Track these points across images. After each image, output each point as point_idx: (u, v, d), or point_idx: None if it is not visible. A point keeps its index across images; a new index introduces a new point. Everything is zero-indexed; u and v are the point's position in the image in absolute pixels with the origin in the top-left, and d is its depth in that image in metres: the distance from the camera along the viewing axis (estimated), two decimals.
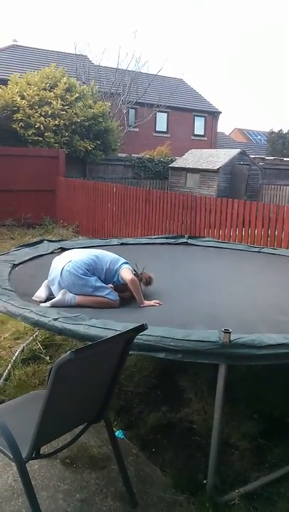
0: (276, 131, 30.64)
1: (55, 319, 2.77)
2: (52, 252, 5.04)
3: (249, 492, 2.51)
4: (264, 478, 2.61)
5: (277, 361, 2.51)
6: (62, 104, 13.24)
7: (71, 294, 3.50)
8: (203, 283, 4.28)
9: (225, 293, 3.99)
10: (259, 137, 38.22)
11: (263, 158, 21.92)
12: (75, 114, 13.44)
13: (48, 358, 4.04)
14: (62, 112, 13.16)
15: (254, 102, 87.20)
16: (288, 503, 2.46)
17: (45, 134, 12.79)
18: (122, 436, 3.01)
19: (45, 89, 13.31)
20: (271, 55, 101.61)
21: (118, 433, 3.00)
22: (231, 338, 2.43)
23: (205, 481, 2.54)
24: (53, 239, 6.92)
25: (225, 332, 2.44)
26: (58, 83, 13.52)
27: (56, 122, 12.99)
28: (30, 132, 12.69)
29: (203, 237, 6.85)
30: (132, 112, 22.80)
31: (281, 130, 30.47)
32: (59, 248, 5.17)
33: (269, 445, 2.93)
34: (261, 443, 2.95)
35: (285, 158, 23.23)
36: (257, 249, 5.73)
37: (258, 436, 3.01)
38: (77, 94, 13.75)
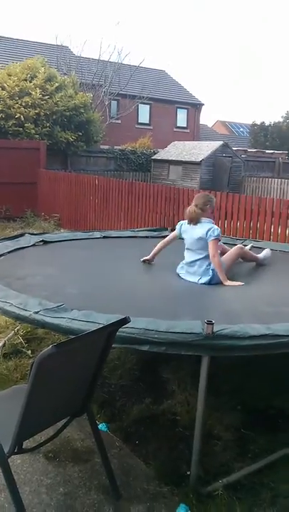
0: (258, 124, 30.82)
1: (36, 312, 2.73)
2: (34, 245, 4.99)
3: (232, 482, 2.52)
4: (247, 469, 2.62)
5: (260, 352, 2.53)
6: (42, 94, 13.09)
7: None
8: None
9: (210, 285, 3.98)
10: (241, 129, 38.36)
11: (245, 151, 22.07)
12: (55, 104, 13.30)
13: (29, 352, 4.01)
14: (42, 102, 13.01)
15: (236, 94, 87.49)
16: (271, 492, 2.48)
17: (25, 124, 12.64)
18: (106, 429, 3.00)
19: (25, 80, 13.14)
20: (254, 47, 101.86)
21: (101, 426, 2.99)
22: (214, 330, 2.43)
23: (188, 472, 2.54)
24: (35, 232, 6.87)
25: (208, 323, 2.44)
26: (38, 73, 13.36)
27: (36, 111, 12.84)
28: (10, 123, 12.53)
29: None
30: (114, 103, 22.65)
31: (263, 122, 30.66)
32: (41, 241, 5.12)
33: (252, 436, 2.95)
34: (244, 434, 2.97)
35: (267, 151, 23.42)
36: (239, 241, 5.74)
37: (241, 427, 3.02)
38: (57, 84, 13.60)
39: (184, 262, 4.17)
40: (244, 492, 2.48)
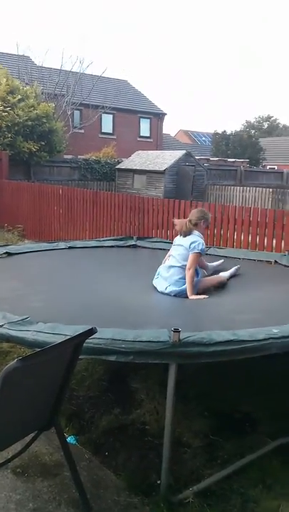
0: (220, 133, 31.32)
1: (1, 326, 2.69)
2: None
3: (203, 489, 2.53)
4: (217, 475, 2.64)
5: (227, 358, 2.56)
6: (4, 106, 12.97)
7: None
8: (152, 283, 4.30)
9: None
10: (204, 138, 38.96)
11: (207, 159, 22.41)
12: (17, 115, 13.20)
13: None
14: (3, 114, 12.88)
15: (198, 103, 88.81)
16: (241, 498, 2.50)
17: None
18: (74, 442, 2.97)
19: None
20: (215, 57, 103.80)
21: (70, 439, 2.96)
22: (181, 337, 2.45)
23: (159, 482, 2.54)
24: None
25: (174, 331, 2.45)
26: (0, 85, 13.26)
27: None
28: None
29: (152, 237, 6.89)
30: (76, 113, 22.65)
31: (225, 131, 31.19)
32: (4, 253, 5.05)
33: (220, 441, 2.97)
34: (213, 440, 2.99)
35: (228, 159, 23.82)
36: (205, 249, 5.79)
37: (210, 433, 3.05)
38: (19, 96, 13.52)
39: (161, 266, 4.21)
40: (214, 498, 2.49)
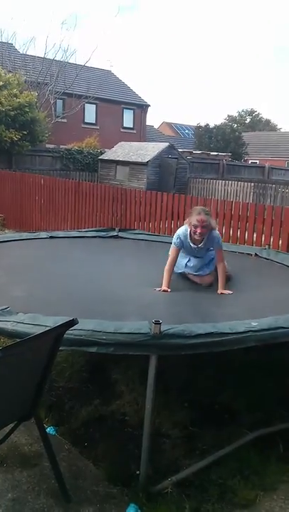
0: (203, 126, 31.32)
1: None
2: None
3: (181, 480, 2.55)
4: (195, 466, 2.66)
5: (207, 350, 2.57)
6: None
7: None
8: (134, 275, 4.30)
9: (156, 284, 4.02)
10: (187, 131, 38.93)
11: (190, 152, 22.41)
12: (0, 103, 13.01)
13: None
14: None
15: (182, 96, 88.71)
16: (219, 488, 2.53)
17: None
18: (54, 433, 2.97)
19: None
20: (199, 49, 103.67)
21: (49, 429, 2.95)
22: (161, 329, 2.46)
23: (138, 472, 2.56)
24: None
25: (155, 323, 2.46)
26: None
27: None
28: None
29: (134, 229, 6.88)
30: (59, 102, 22.41)
31: (208, 124, 31.19)
32: None
33: (199, 432, 3.00)
34: (192, 431, 3.02)
35: (211, 153, 23.88)
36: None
37: (189, 424, 3.07)
38: (1, 83, 13.31)
39: (189, 265, 4.17)
40: (193, 489, 2.52)
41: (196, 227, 3.89)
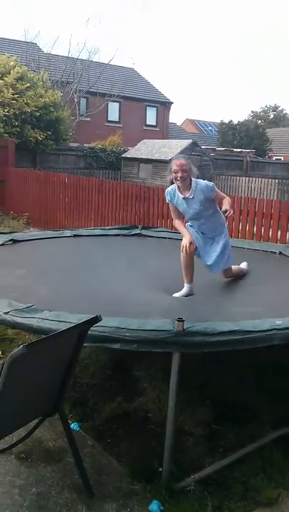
0: (226, 122, 31.08)
1: (6, 313, 2.71)
2: (2, 244, 4.93)
3: (204, 477, 2.55)
4: (218, 463, 2.66)
5: (230, 348, 2.57)
6: (13, 93, 12.91)
7: None
8: (157, 274, 4.30)
9: (179, 282, 4.02)
10: (210, 128, 38.71)
11: (214, 149, 22.27)
12: (26, 103, 13.14)
13: (0, 352, 3.96)
14: (12, 101, 12.83)
15: (205, 92, 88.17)
16: (242, 486, 2.53)
17: None
18: (78, 429, 3.00)
19: None
20: (222, 45, 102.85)
21: (73, 425, 2.99)
22: (185, 327, 2.47)
23: (161, 469, 2.57)
24: (4, 231, 6.78)
25: (178, 321, 2.47)
26: (10, 72, 13.17)
27: (6, 112, 12.65)
28: None
29: (157, 227, 6.88)
30: (83, 101, 22.53)
31: (231, 121, 30.94)
32: (10, 240, 5.07)
33: (222, 430, 2.99)
34: (214, 428, 3.02)
35: (235, 149, 23.67)
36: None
37: (212, 422, 3.07)
38: (28, 84, 13.45)
39: (195, 230, 4.08)
40: (215, 486, 2.52)
41: (176, 172, 3.82)
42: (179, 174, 3.81)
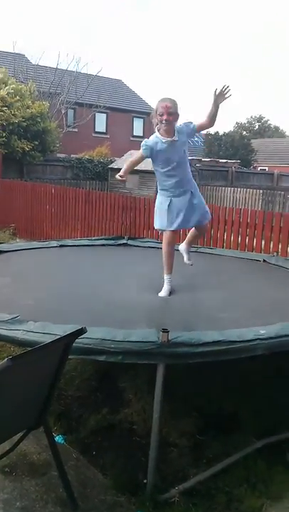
0: (212, 134, 31.33)
1: None
2: None
3: (188, 488, 2.56)
4: (202, 474, 2.67)
5: (215, 358, 2.59)
6: (1, 105, 12.94)
7: None
8: (142, 281, 4.32)
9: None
10: (196, 139, 38.87)
11: (199, 160, 22.40)
12: (13, 114, 13.17)
13: None
14: (0, 113, 12.88)
15: (191, 104, 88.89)
16: (226, 496, 2.53)
17: None
18: (62, 441, 2.99)
19: None
20: (208, 57, 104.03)
21: (58, 438, 2.98)
22: (169, 337, 2.48)
23: (145, 481, 2.57)
24: None
25: (163, 331, 2.48)
26: (3, 85, 13.25)
27: None
28: None
29: (143, 237, 6.91)
30: (70, 112, 22.61)
31: (217, 132, 31.20)
32: None
33: (206, 441, 3.00)
34: (199, 439, 3.02)
35: (220, 160, 23.85)
36: (194, 249, 5.84)
37: (196, 432, 3.08)
38: (17, 97, 13.50)
39: (171, 187, 3.96)
40: (200, 497, 2.53)
41: (161, 114, 3.68)
42: (165, 117, 3.67)
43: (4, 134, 13.06)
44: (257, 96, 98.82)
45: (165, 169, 3.88)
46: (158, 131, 3.82)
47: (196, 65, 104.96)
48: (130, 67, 79.51)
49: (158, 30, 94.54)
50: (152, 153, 3.84)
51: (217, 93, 3.70)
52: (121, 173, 3.84)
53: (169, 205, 3.92)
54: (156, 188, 4.13)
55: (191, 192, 4.02)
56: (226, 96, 3.74)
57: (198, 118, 3.99)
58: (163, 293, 3.89)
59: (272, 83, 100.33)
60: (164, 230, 3.98)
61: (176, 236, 4.05)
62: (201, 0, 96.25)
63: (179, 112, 3.78)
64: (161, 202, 3.99)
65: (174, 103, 3.73)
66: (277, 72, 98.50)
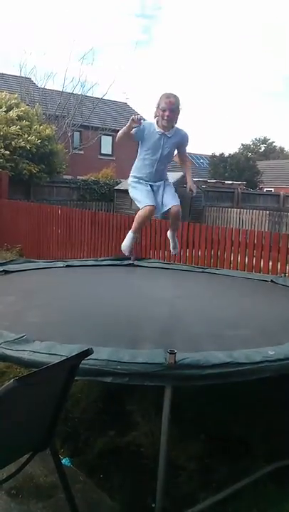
0: (218, 155, 31.63)
1: None
2: None
3: None
4: (211, 499, 2.62)
5: (223, 380, 2.56)
6: (15, 130, 13.22)
7: None
8: (148, 301, 4.31)
9: (172, 309, 4.04)
10: (201, 161, 39.28)
11: (205, 181, 22.60)
12: (27, 139, 13.42)
13: None
14: (14, 136, 13.12)
15: (196, 126, 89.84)
16: None
17: None
18: (69, 464, 2.96)
19: None
20: (212, 79, 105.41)
21: (65, 460, 2.94)
22: (177, 359, 2.46)
23: (153, 505, 2.52)
24: None
25: (170, 353, 2.46)
26: (14, 108, 13.54)
27: (8, 147, 12.96)
28: None
29: (149, 258, 6.92)
30: (76, 134, 22.92)
31: (222, 154, 31.50)
32: (2, 271, 5.07)
33: (216, 465, 2.96)
34: (208, 463, 2.98)
35: (226, 181, 24.02)
36: (201, 270, 5.85)
37: (205, 456, 3.03)
38: (28, 122, 13.77)
39: (147, 176, 4.08)
40: None
41: (164, 110, 3.71)
42: (167, 113, 3.74)
43: (15, 157, 13.27)
44: (262, 118, 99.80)
45: (150, 157, 3.98)
46: (156, 122, 3.90)
47: (200, 85, 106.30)
48: (135, 90, 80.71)
49: (162, 53, 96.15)
50: (142, 135, 3.93)
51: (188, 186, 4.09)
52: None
53: (147, 187, 4.11)
54: None
55: (163, 185, 4.21)
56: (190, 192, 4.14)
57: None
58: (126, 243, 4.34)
59: (278, 105, 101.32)
60: (146, 206, 4.12)
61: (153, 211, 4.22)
62: (202, 23, 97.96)
63: (181, 107, 3.88)
64: (133, 185, 4.21)
65: (177, 100, 3.79)
66: (282, 94, 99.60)
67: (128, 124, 3.84)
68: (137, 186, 4.11)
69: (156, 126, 3.86)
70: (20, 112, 13.53)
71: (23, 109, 13.88)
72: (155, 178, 4.06)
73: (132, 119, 3.83)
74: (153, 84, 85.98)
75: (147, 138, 3.89)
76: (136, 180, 4.09)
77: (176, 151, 4.19)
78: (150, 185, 4.08)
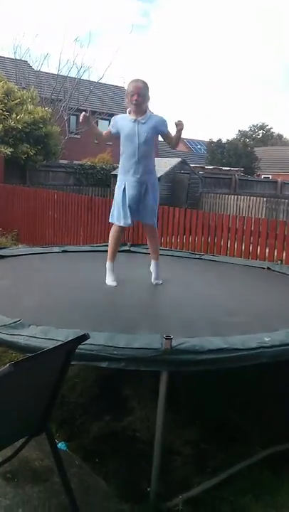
0: (215, 141, 31.47)
1: None
2: None
3: (192, 497, 2.52)
4: (206, 483, 2.64)
5: (218, 366, 2.56)
6: (2, 110, 13.00)
7: None
8: (144, 286, 4.31)
9: (168, 295, 4.04)
10: (199, 146, 39.11)
11: (202, 168, 22.52)
12: (17, 120, 13.24)
13: None
14: (1, 117, 12.94)
15: (194, 111, 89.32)
16: (230, 507, 2.50)
17: None
18: (65, 448, 2.96)
19: None
20: (210, 64, 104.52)
21: (60, 445, 2.95)
22: (173, 344, 2.46)
23: (148, 489, 2.53)
24: None
25: (166, 338, 2.46)
26: None
27: None
28: None
29: (145, 244, 6.88)
30: (73, 118, 22.70)
31: (220, 140, 31.35)
32: None
33: (211, 450, 2.97)
34: (203, 448, 2.99)
35: (223, 168, 23.94)
36: (197, 256, 5.84)
37: (201, 441, 3.04)
38: (17, 100, 13.57)
39: (129, 169, 4.02)
40: (204, 507, 2.49)
41: (132, 95, 3.80)
42: (135, 97, 3.80)
43: (11, 141, 13.13)
44: (260, 104, 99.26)
45: (129, 145, 3.95)
46: (129, 113, 3.94)
47: (198, 71, 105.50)
48: (133, 75, 79.95)
49: (160, 37, 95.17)
50: (118, 129, 3.97)
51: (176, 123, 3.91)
52: (85, 115, 4.03)
53: (123, 192, 4.03)
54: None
55: (147, 186, 4.04)
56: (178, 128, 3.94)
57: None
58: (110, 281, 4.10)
59: (275, 91, 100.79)
60: (115, 225, 4.15)
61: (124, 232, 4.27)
62: (202, 9, 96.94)
63: (149, 95, 3.90)
64: (118, 186, 4.12)
65: (145, 85, 3.86)
66: (280, 80, 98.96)
67: (82, 126, 3.96)
68: (118, 193, 4.10)
69: (128, 116, 3.93)
70: (3, 89, 13.27)
71: (6, 86, 13.63)
72: (140, 169, 3.98)
73: (80, 121, 4.07)
74: (151, 68, 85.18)
75: (122, 128, 3.93)
76: (120, 183, 4.09)
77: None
78: (136, 182, 3.99)
